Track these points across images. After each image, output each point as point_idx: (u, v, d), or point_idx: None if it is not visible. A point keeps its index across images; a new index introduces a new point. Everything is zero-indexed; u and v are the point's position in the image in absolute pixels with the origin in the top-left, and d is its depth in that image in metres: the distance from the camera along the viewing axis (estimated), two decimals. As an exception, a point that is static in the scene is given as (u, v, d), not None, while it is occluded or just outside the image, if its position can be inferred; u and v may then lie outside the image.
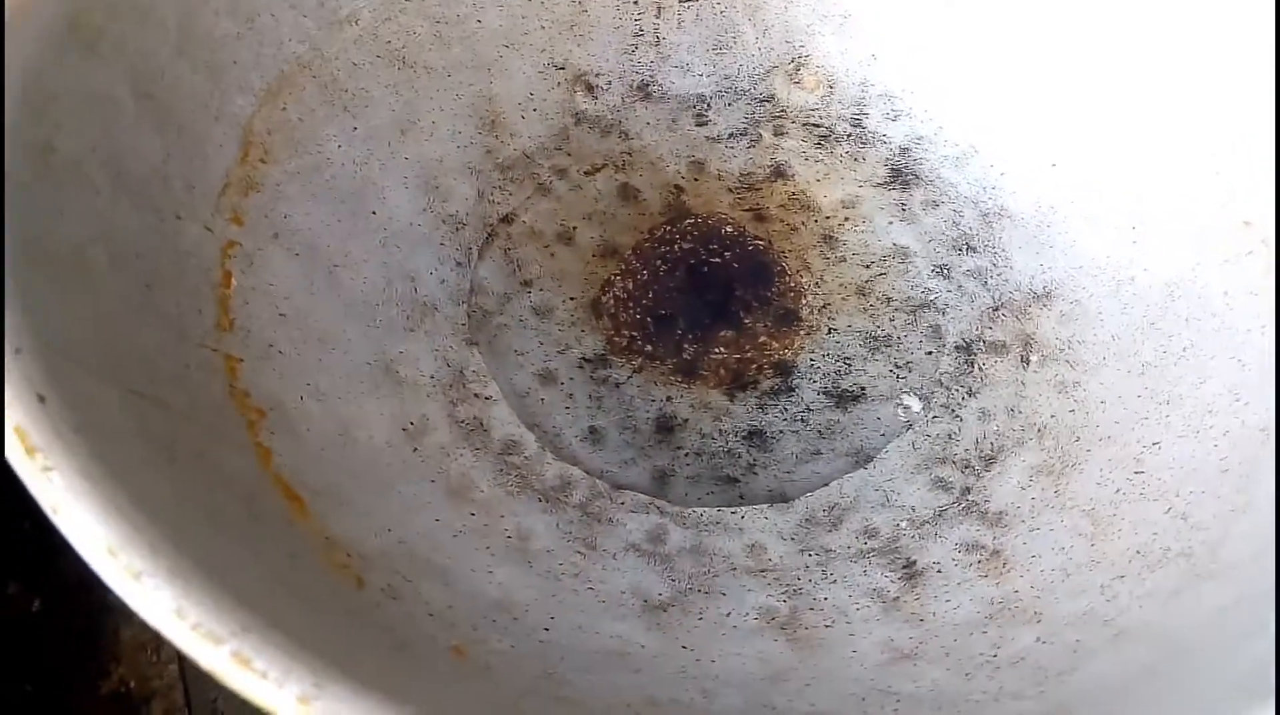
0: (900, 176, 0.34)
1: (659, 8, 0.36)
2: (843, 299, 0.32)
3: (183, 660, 0.35)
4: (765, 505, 0.29)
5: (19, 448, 0.16)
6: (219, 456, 0.22)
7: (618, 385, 0.31)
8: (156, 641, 0.35)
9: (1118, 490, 0.27)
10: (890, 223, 0.34)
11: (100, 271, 0.22)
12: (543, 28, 0.35)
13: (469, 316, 0.31)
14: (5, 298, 0.18)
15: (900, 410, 0.30)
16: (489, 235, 0.32)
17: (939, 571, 0.26)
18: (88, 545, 0.16)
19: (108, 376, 0.20)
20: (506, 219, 0.33)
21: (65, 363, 0.19)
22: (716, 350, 0.32)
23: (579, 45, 0.35)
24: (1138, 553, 0.25)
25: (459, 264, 0.32)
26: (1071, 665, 0.22)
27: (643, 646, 0.24)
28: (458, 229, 0.32)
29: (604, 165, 0.34)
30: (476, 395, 0.29)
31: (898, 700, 0.22)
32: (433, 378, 0.29)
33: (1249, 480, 0.25)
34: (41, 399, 0.17)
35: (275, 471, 0.24)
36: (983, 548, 0.27)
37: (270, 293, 0.27)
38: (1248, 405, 0.26)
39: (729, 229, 0.34)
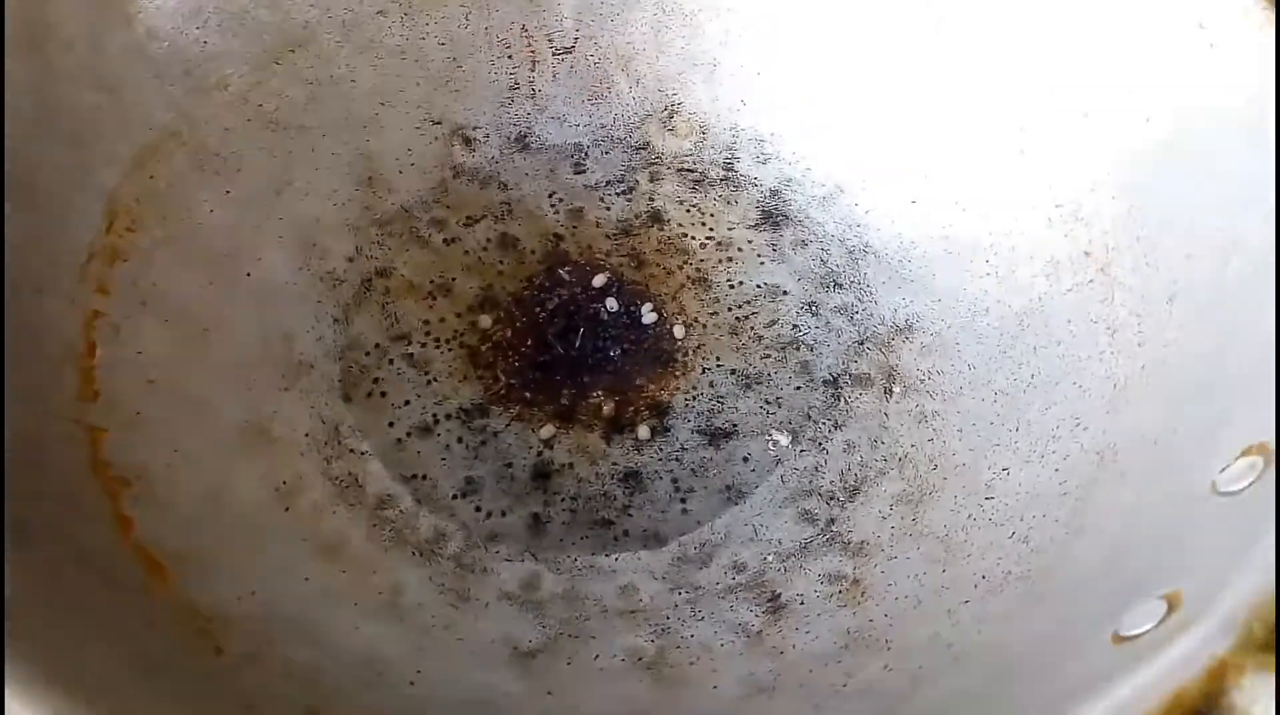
0: (771, 217, 0.35)
1: (534, 61, 0.37)
2: (716, 339, 0.33)
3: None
4: (640, 549, 0.29)
5: None
6: (73, 529, 0.23)
7: (496, 433, 0.31)
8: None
9: (970, 516, 0.28)
10: (762, 263, 0.35)
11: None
12: (418, 84, 0.35)
13: (345, 372, 0.31)
14: None
15: (770, 445, 0.31)
16: (366, 290, 0.33)
17: (801, 603, 0.27)
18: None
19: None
20: (384, 273, 0.33)
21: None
22: (594, 395, 0.32)
23: (455, 99, 0.36)
24: (983, 577, 0.26)
25: (336, 321, 0.32)
26: (910, 690, 0.23)
27: (508, 694, 0.25)
28: (335, 286, 0.33)
29: (483, 216, 0.35)
30: (352, 451, 0.30)
31: (749, 735, 0.23)
32: (307, 436, 0.30)
33: (1085, 503, 0.26)
34: None
35: (135, 541, 0.24)
36: (844, 577, 0.28)
37: (138, 361, 0.28)
38: (1086, 430, 0.27)
39: (607, 275, 0.35)
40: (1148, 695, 0.16)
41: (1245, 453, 0.21)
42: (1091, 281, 0.30)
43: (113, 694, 0.17)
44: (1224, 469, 0.21)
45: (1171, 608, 0.18)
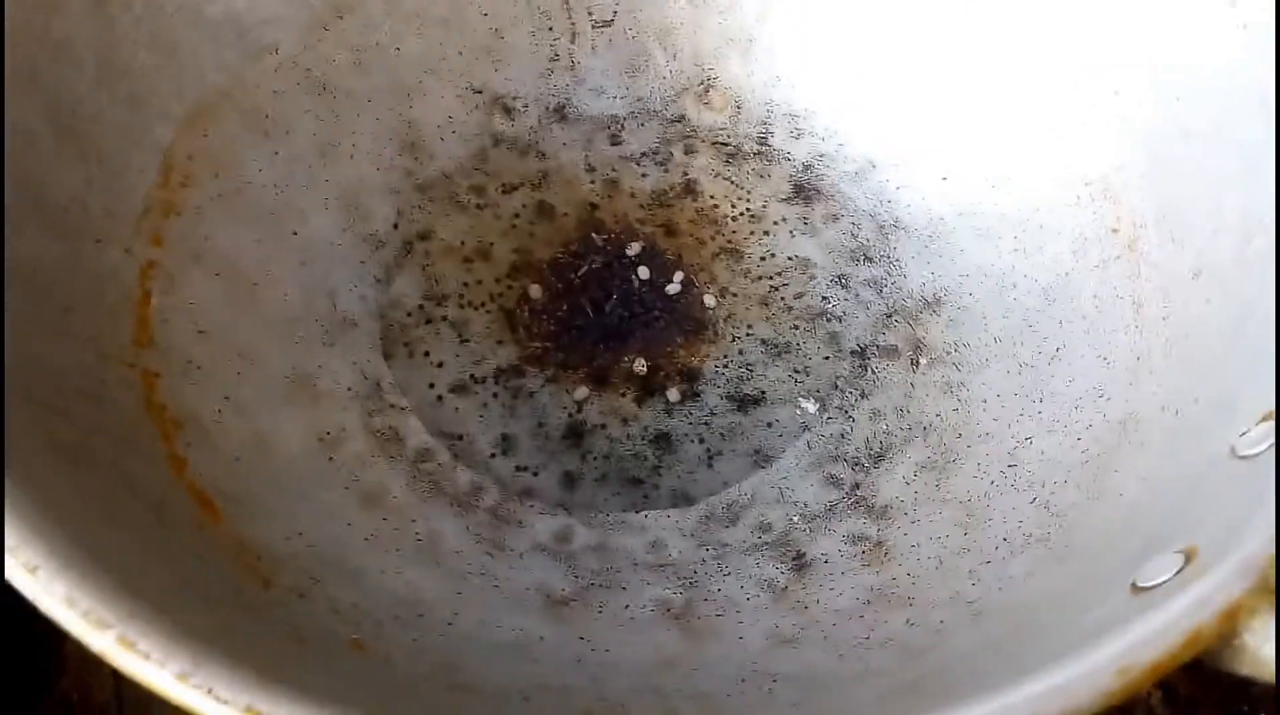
0: (803, 192, 0.36)
1: (574, 33, 0.37)
2: (746, 309, 0.34)
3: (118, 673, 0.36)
4: (669, 507, 0.30)
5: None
6: (130, 466, 0.24)
7: (531, 394, 0.32)
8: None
9: (992, 482, 0.28)
10: (793, 236, 0.35)
11: (16, 295, 0.24)
12: (460, 54, 0.36)
13: (387, 331, 0.32)
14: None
15: (798, 413, 0.32)
16: (407, 252, 0.34)
17: (826, 562, 0.28)
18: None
19: (18, 391, 0.21)
20: (424, 236, 0.34)
21: (-25, 378, 0.20)
22: (626, 359, 0.33)
23: (496, 70, 0.37)
24: (1004, 540, 0.26)
25: (378, 281, 0.33)
26: (934, 643, 0.24)
27: (542, 638, 0.26)
28: (377, 247, 0.34)
29: (521, 184, 0.36)
30: (392, 406, 0.31)
31: (774, 680, 0.24)
32: (350, 390, 0.31)
33: (1104, 470, 0.26)
34: (-53, 410, 0.18)
35: (190, 480, 0.25)
36: (867, 539, 0.28)
37: (190, 311, 0.29)
38: (1109, 400, 0.28)
39: (641, 243, 0.35)
40: (1164, 635, 0.17)
41: (1264, 419, 0.22)
42: (1118, 257, 0.30)
43: (171, 615, 0.18)
44: (1243, 433, 0.22)
45: (1188, 560, 0.19)
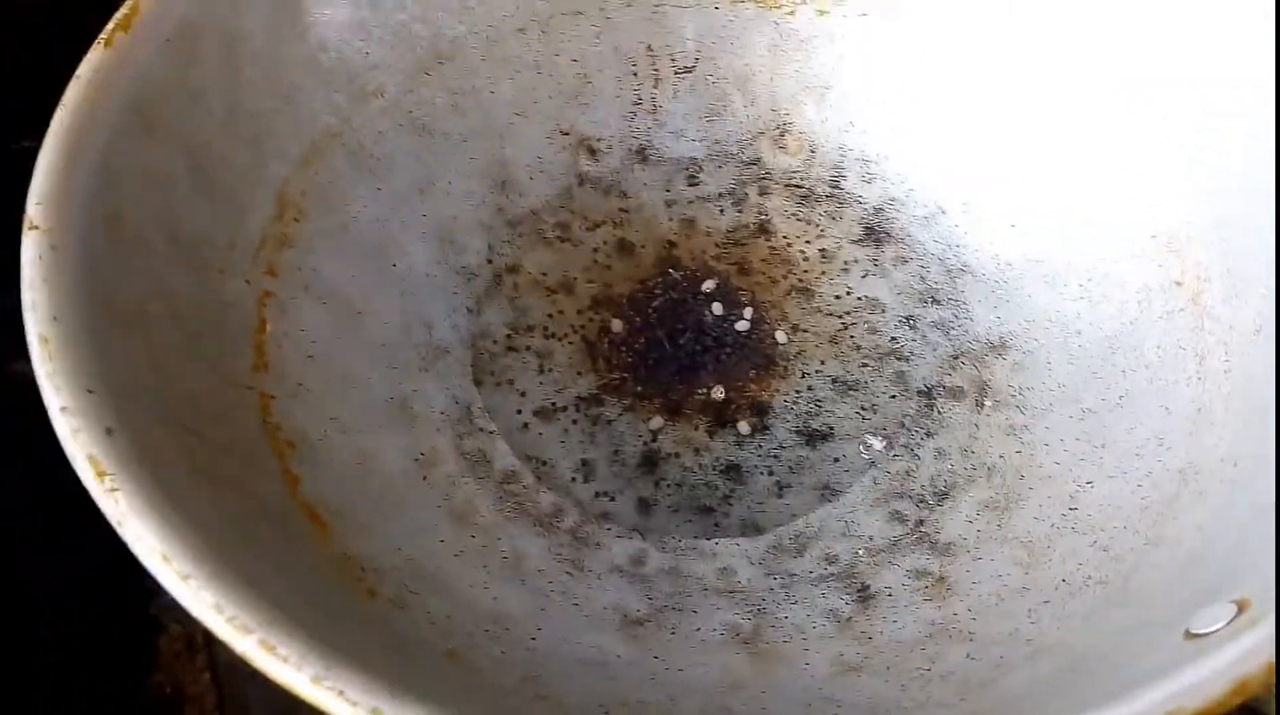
0: (873, 234, 0.38)
1: (656, 79, 0.39)
2: (816, 346, 0.36)
3: (215, 667, 0.38)
4: (738, 536, 0.32)
5: (90, 473, 0.20)
6: (253, 484, 0.26)
7: (609, 422, 0.34)
8: (190, 651, 0.38)
9: (1053, 524, 0.30)
10: (863, 276, 0.37)
11: (156, 322, 0.26)
12: (550, 97, 0.38)
13: (477, 358, 0.34)
14: (79, 347, 0.22)
15: (864, 449, 0.33)
16: (497, 284, 0.36)
17: (889, 595, 0.29)
18: (145, 552, 0.19)
19: (161, 413, 0.24)
20: (513, 269, 0.36)
21: (127, 402, 0.22)
22: (700, 391, 0.35)
23: (583, 113, 0.39)
24: (1063, 581, 0.28)
25: (469, 311, 0.35)
26: (992, 678, 0.25)
27: (619, 656, 0.27)
28: (469, 279, 0.36)
29: (604, 222, 0.38)
30: (481, 429, 0.33)
31: (838, 706, 0.25)
32: (443, 413, 0.33)
33: (1163, 517, 0.27)
34: (109, 432, 0.21)
35: (301, 497, 0.27)
36: (930, 574, 0.30)
37: (300, 337, 0.31)
38: (1170, 450, 0.29)
39: (716, 280, 0.37)
40: (1213, 682, 0.18)
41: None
42: (1182, 310, 0.31)
43: (302, 623, 0.20)
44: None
45: (1240, 610, 0.20)
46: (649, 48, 0.39)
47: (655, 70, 0.39)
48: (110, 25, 0.28)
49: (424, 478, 0.31)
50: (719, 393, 0.35)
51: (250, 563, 0.21)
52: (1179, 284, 0.32)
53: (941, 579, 0.30)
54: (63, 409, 0.21)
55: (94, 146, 0.26)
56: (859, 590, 0.30)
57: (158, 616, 0.38)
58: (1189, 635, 0.21)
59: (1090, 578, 0.27)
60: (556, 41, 0.38)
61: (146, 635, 0.39)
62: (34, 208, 0.24)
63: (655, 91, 0.39)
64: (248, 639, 0.19)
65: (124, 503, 0.20)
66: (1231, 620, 0.20)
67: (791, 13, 0.39)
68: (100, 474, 0.20)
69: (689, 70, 0.39)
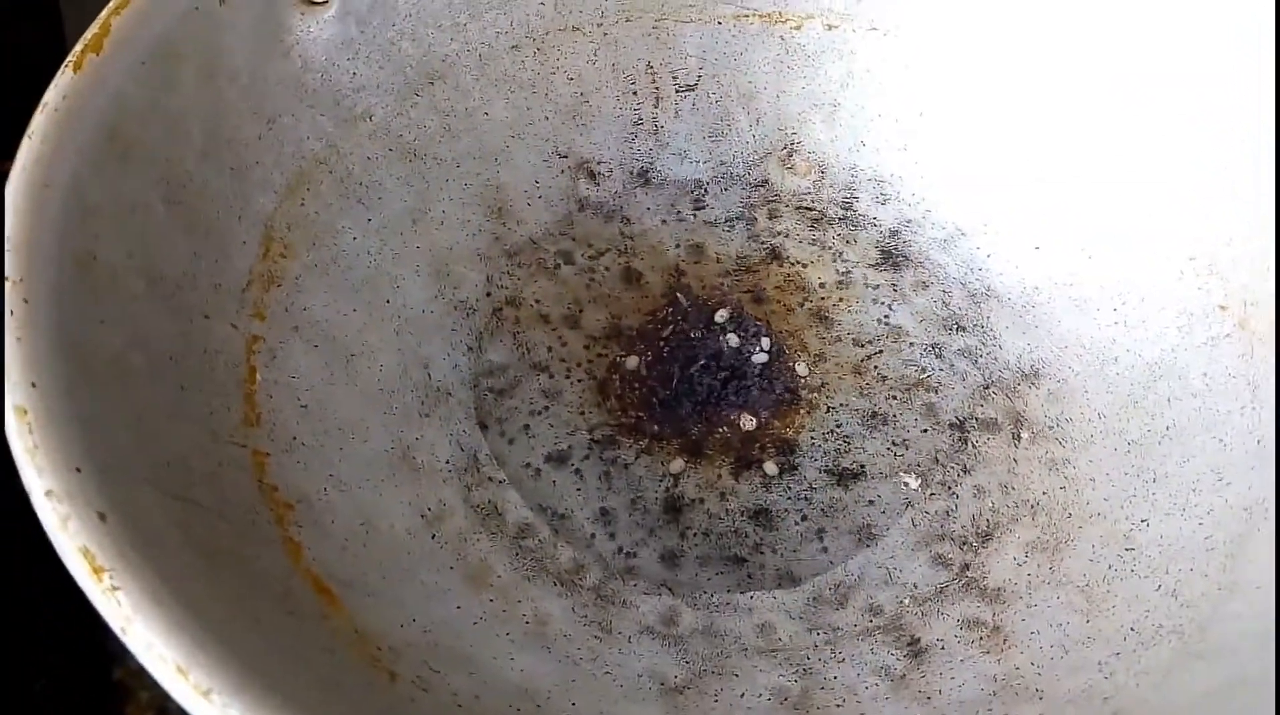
0: (891, 258, 0.36)
1: (657, 98, 0.37)
2: (839, 378, 0.34)
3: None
4: (774, 587, 0.30)
5: (85, 569, 0.17)
6: (252, 554, 0.23)
7: (626, 466, 0.32)
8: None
9: (1110, 567, 0.28)
10: (882, 303, 0.35)
11: (138, 376, 0.23)
12: (547, 118, 0.36)
13: (480, 400, 0.32)
14: (63, 416, 0.19)
15: (899, 488, 0.31)
16: (498, 319, 0.33)
17: (942, 648, 0.27)
18: (157, 665, 0.16)
19: (152, 483, 0.21)
20: (514, 302, 0.34)
21: (117, 475, 0.19)
22: (720, 429, 0.33)
23: (581, 134, 0.36)
24: (1132, 629, 0.26)
25: (470, 349, 0.33)
26: (1073, 743, 0.23)
27: (662, 729, 0.25)
28: (468, 314, 0.33)
29: (607, 249, 0.36)
30: (490, 479, 0.30)
31: (910, 781, 0.23)
32: (448, 462, 0.30)
33: (1235, 559, 0.26)
34: (102, 517, 0.18)
35: (306, 566, 0.25)
36: (983, 624, 0.28)
37: (292, 385, 0.28)
38: (1229, 485, 0.28)
39: (728, 310, 0.35)
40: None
41: None
42: (1228, 335, 0.30)
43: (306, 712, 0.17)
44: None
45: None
46: (649, 65, 0.37)
47: (656, 88, 0.37)
48: (79, 46, 0.25)
49: (433, 536, 0.28)
50: (749, 422, 0.32)
51: (266, 660, 0.18)
52: (1223, 308, 0.30)
53: (996, 629, 0.28)
54: (48, 493, 0.18)
55: (63, 182, 0.23)
56: (909, 644, 0.28)
57: (123, 682, 0.35)
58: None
59: (1162, 627, 0.25)
60: (552, 59, 0.36)
61: (111, 704, 0.35)
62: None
63: (656, 111, 0.37)
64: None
65: (128, 605, 0.17)
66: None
67: (798, 27, 0.37)
68: (97, 570, 0.17)
69: (691, 88, 0.37)
